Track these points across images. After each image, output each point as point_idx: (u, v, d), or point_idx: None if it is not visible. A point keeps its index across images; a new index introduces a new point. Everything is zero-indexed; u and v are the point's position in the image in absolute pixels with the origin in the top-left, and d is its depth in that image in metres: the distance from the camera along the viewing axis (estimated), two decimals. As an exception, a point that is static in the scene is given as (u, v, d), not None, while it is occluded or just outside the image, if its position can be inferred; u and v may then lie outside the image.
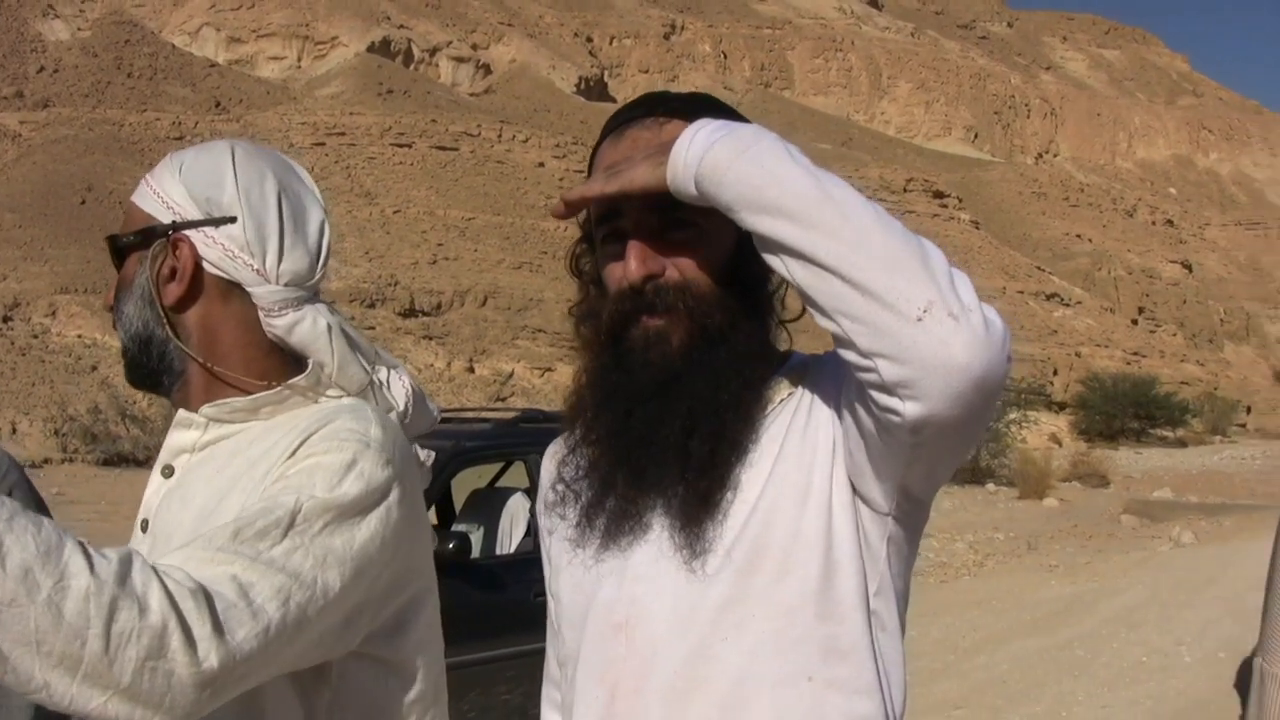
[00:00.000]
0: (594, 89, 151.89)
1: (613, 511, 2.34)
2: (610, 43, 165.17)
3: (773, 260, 2.07)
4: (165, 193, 2.43)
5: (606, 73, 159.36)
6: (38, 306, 76.53)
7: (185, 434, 2.43)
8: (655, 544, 2.29)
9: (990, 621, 16.96)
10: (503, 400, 68.27)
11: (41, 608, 1.79)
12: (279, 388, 2.38)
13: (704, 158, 2.08)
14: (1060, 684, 13.28)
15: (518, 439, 11.32)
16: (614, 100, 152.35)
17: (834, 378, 2.27)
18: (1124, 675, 13.70)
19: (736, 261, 2.29)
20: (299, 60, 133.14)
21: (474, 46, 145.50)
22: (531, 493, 10.83)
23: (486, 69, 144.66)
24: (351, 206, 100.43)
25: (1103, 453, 60.88)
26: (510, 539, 10.93)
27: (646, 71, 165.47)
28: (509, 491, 11.42)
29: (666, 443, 2.26)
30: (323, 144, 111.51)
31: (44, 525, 1.85)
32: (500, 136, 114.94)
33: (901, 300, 1.92)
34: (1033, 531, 28.94)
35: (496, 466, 12.29)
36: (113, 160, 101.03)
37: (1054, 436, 76.67)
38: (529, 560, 10.16)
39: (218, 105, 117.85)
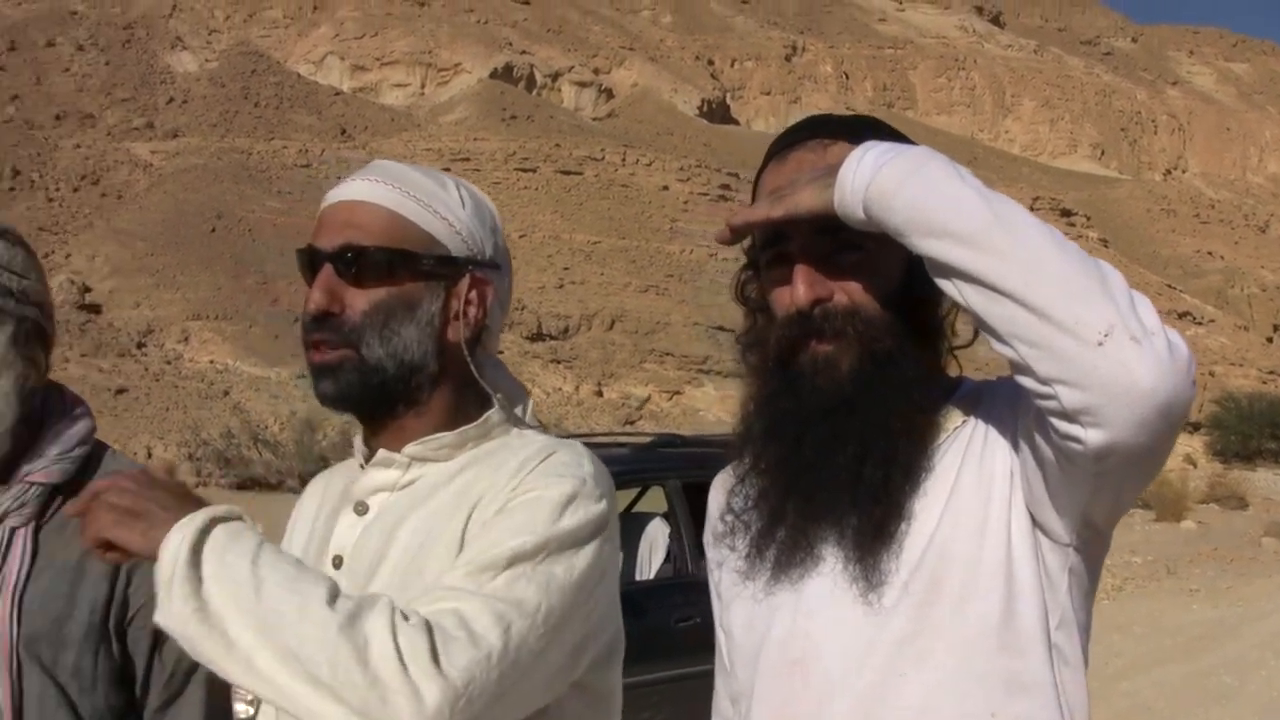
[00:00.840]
0: (716, 111, 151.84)
1: (783, 542, 2.32)
2: (731, 65, 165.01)
3: (945, 285, 2.03)
4: (459, 222, 2.39)
5: (728, 95, 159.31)
6: (170, 333, 77.52)
7: (385, 473, 2.41)
8: (829, 576, 2.26)
9: (1132, 647, 16.55)
10: (631, 424, 68.05)
11: (292, 629, 1.95)
12: (480, 421, 2.39)
13: (872, 181, 2.03)
14: (1208, 712, 12.83)
15: (655, 464, 11.18)
16: (736, 123, 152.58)
17: (1009, 405, 2.24)
18: (1275, 703, 13.21)
19: (905, 285, 2.26)
20: (423, 87, 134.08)
21: (596, 71, 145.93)
22: (669, 517, 10.79)
23: (609, 93, 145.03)
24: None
25: (1240, 474, 59.71)
26: (649, 565, 10.79)
27: (768, 93, 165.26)
28: (647, 516, 11.29)
29: (838, 470, 2.24)
30: (448, 169, 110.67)
31: (307, 571, 2.05)
32: (624, 160, 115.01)
33: (1081, 324, 1.87)
34: (1171, 555, 28.33)
35: (633, 492, 12.17)
36: (241, 188, 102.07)
37: (1189, 458, 75.22)
38: (669, 586, 10.25)
39: (343, 133, 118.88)
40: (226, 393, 69.40)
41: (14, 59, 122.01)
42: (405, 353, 2.35)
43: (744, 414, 2.43)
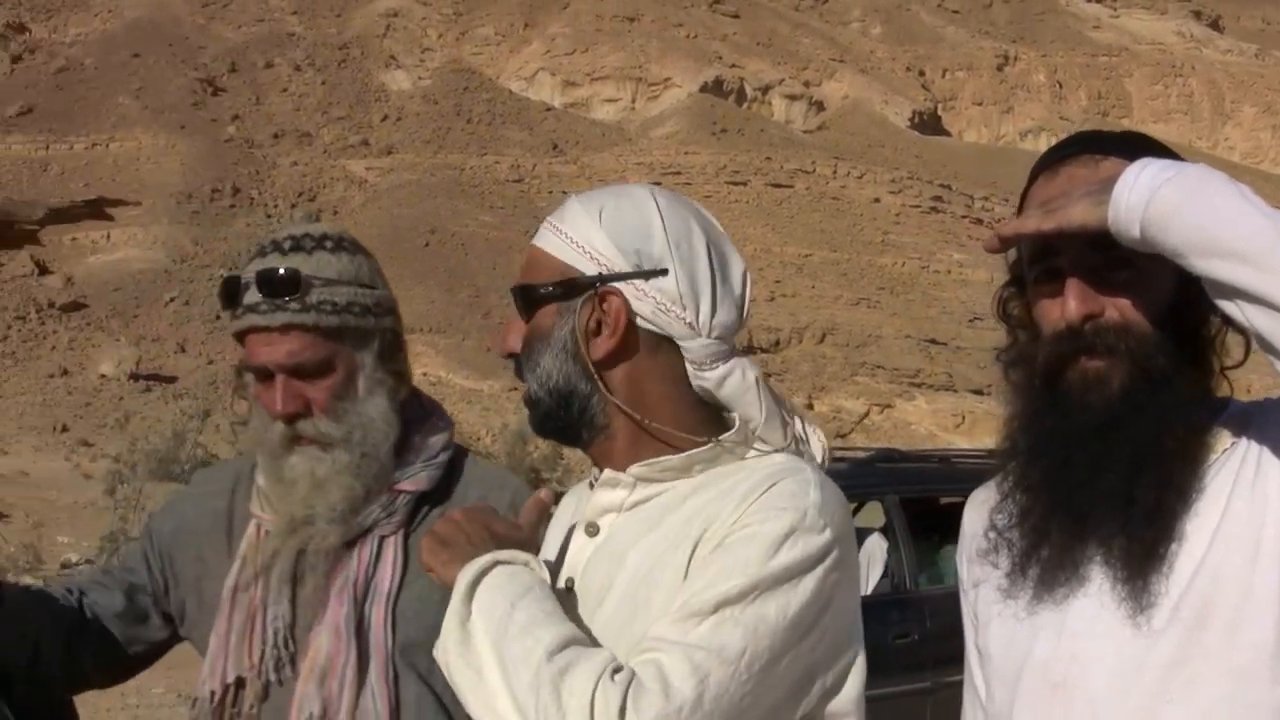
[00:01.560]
0: (927, 123, 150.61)
1: (1047, 561, 2.30)
2: (943, 75, 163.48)
3: (1227, 306, 2.01)
4: (587, 242, 2.34)
5: (940, 106, 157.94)
6: (386, 347, 78.35)
7: (612, 493, 2.38)
8: (1095, 597, 2.23)
9: None
10: (842, 437, 67.55)
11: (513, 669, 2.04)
12: (709, 444, 2.33)
13: (1150, 201, 2.01)
14: None
15: (873, 479, 11.07)
16: (948, 134, 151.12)
17: None
18: None
19: (1176, 303, 2.24)
20: (633, 102, 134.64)
21: (806, 84, 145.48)
22: (887, 532, 10.70)
23: (819, 105, 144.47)
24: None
25: None
26: (867, 580, 10.62)
27: (980, 104, 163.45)
28: (865, 532, 11.08)
29: (1108, 489, 2.21)
30: (658, 184, 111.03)
31: (552, 614, 2.10)
32: (835, 173, 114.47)
33: None
34: None
35: (851, 507, 11.66)
36: (454, 203, 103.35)
37: None
38: (887, 602, 10.24)
39: (555, 148, 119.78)
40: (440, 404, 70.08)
41: (234, 80, 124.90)
42: (550, 381, 2.35)
43: (1008, 431, 2.38)
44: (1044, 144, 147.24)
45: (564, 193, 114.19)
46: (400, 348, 3.05)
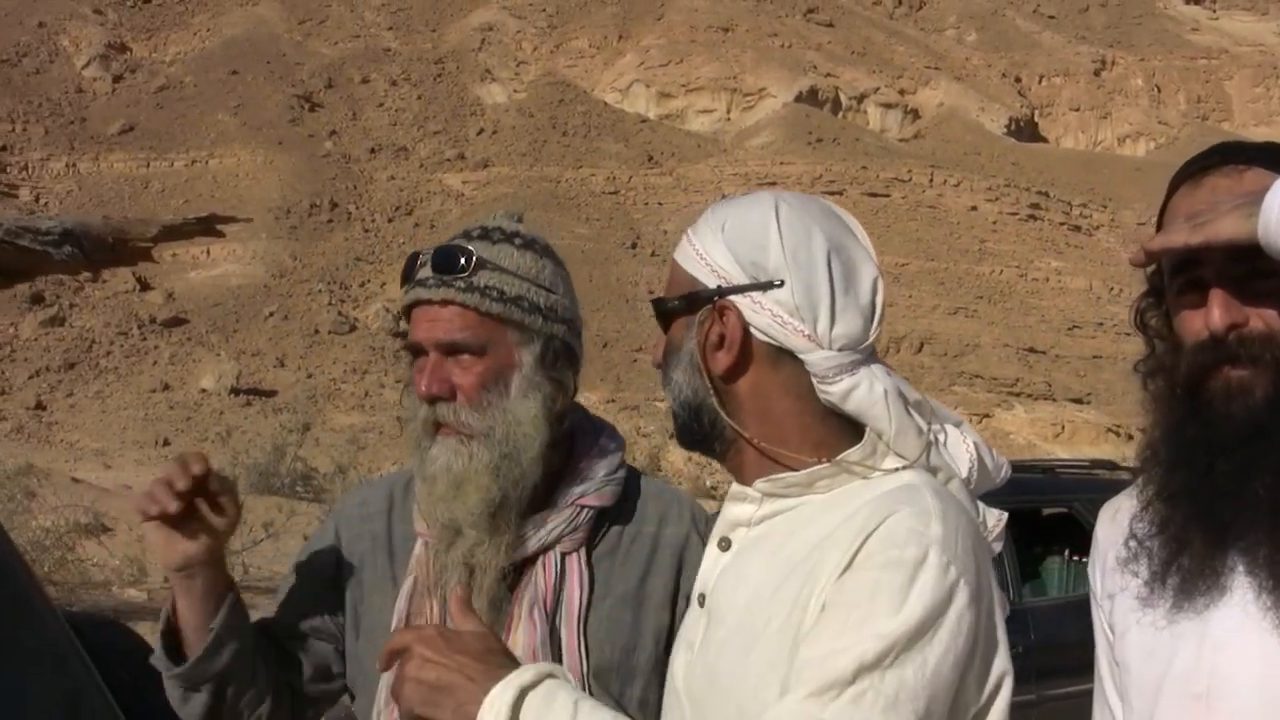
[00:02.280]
0: (1024, 130, 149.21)
1: (1187, 570, 2.28)
2: (1039, 81, 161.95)
3: None
4: (709, 255, 2.37)
5: (1036, 112, 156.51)
6: (482, 360, 78.64)
7: (741, 507, 2.39)
8: (1238, 606, 2.20)
9: None
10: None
11: None
12: (831, 463, 2.30)
13: None
14: None
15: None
16: (1045, 140, 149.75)
17: None
18: None
19: None
20: (728, 112, 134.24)
21: (901, 92, 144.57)
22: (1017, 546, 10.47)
23: (915, 113, 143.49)
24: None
25: None
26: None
27: (1077, 109, 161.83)
28: None
29: (1255, 499, 2.18)
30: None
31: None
32: (931, 181, 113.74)
33: None
34: None
35: None
36: (550, 216, 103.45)
37: None
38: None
39: (650, 159, 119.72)
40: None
41: (331, 96, 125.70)
42: (681, 394, 2.38)
43: (1148, 440, 2.40)
44: (1143, 149, 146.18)
45: (659, 204, 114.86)
46: (570, 361, 2.98)
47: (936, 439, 2.39)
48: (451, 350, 2.83)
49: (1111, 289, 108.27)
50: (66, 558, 20.88)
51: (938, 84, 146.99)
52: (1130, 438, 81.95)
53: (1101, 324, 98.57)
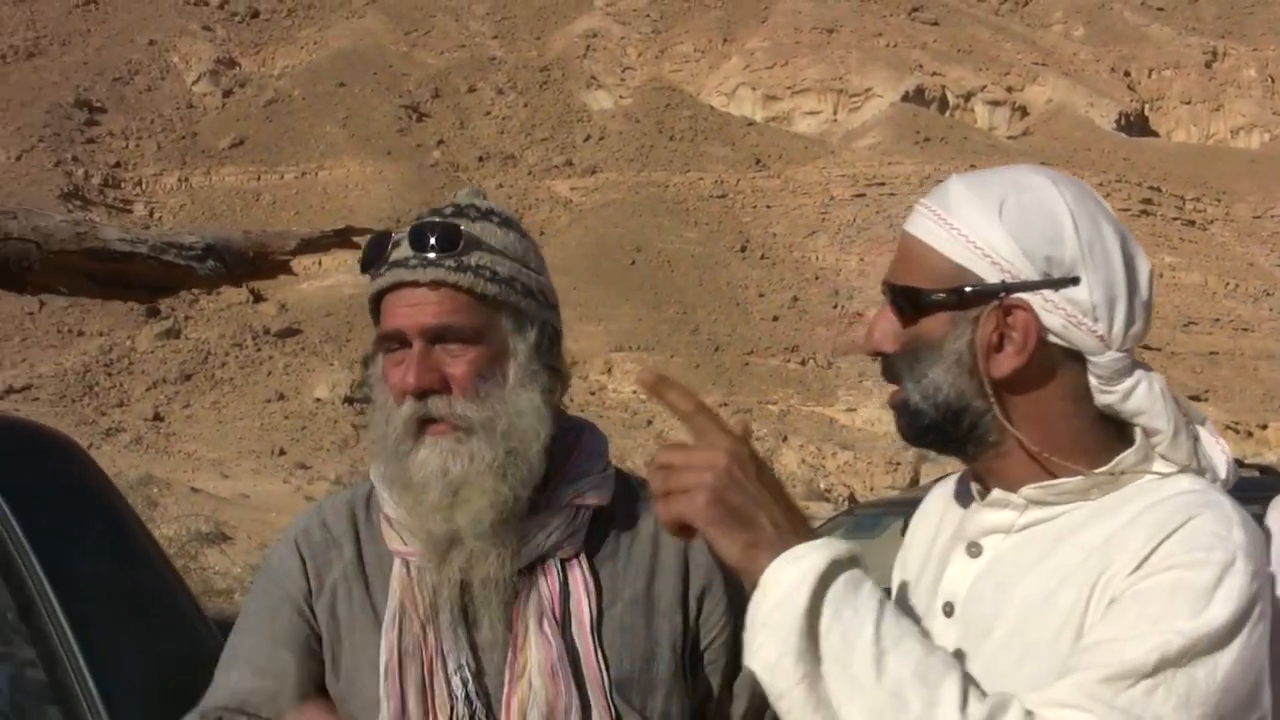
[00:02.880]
0: (1134, 125, 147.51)
1: None
2: (1149, 75, 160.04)
3: None
4: (987, 244, 2.13)
5: (1146, 106, 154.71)
6: (594, 364, 79.01)
7: (1000, 514, 2.22)
8: None
9: None
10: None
11: None
12: (1108, 466, 2.17)
13: None
14: None
15: None
16: (1156, 134, 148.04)
17: None
18: None
19: None
20: (834, 113, 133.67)
21: (1009, 89, 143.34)
22: None
23: (1023, 110, 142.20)
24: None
25: None
26: None
27: (1189, 103, 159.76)
28: None
29: None
30: (863, 195, 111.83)
31: (934, 651, 1.89)
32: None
33: None
34: None
35: None
36: (659, 221, 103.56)
37: None
38: None
39: (757, 162, 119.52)
40: (649, 422, 70.33)
41: (438, 105, 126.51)
42: (938, 395, 2.15)
43: None
44: (1256, 142, 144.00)
45: (767, 207, 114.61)
46: (560, 346, 2.69)
47: (1197, 439, 2.20)
48: (439, 337, 2.50)
49: (1227, 284, 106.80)
50: (189, 566, 21.02)
51: (1045, 80, 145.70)
52: (1250, 434, 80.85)
53: (1218, 320, 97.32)
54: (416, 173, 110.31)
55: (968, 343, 2.11)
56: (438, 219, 2.57)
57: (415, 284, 2.49)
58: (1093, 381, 2.13)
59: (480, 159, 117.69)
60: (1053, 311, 2.09)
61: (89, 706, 3.21)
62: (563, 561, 2.57)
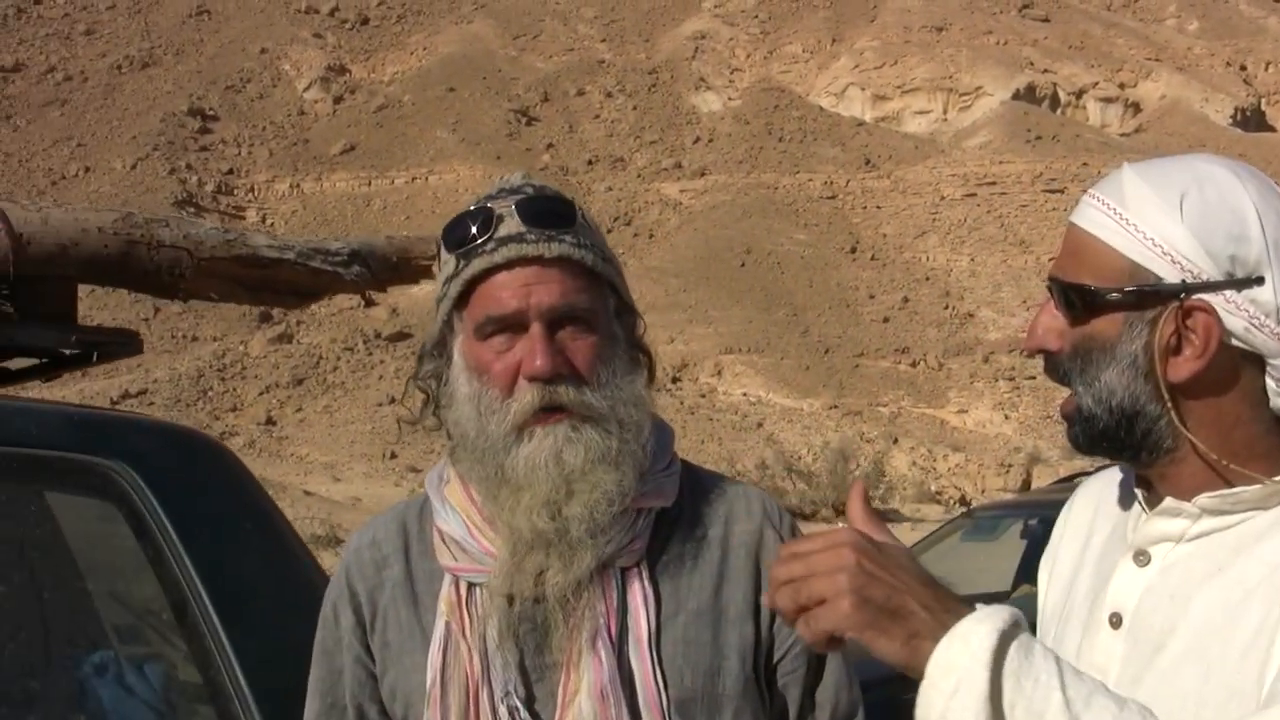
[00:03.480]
0: (1250, 120, 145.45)
1: None
2: (1266, 69, 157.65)
3: None
4: (1166, 241, 2.02)
5: (1263, 101, 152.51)
6: (704, 367, 78.98)
7: (1170, 522, 2.12)
8: None
9: None
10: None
11: None
12: None
13: None
14: None
15: None
16: (1273, 129, 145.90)
17: None
18: None
19: None
20: (944, 112, 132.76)
21: (1121, 85, 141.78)
22: None
23: (1136, 107, 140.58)
24: (1007, 255, 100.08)
25: None
26: None
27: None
28: None
29: None
30: (974, 194, 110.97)
31: (1126, 705, 1.76)
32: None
33: None
34: None
35: None
36: (769, 222, 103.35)
37: None
38: None
39: (867, 163, 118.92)
40: (760, 424, 70.23)
41: (547, 109, 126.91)
42: (1111, 399, 2.06)
43: None
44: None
45: (877, 208, 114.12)
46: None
47: None
48: (560, 320, 2.30)
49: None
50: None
51: (1159, 76, 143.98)
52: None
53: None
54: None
55: (1144, 345, 2.02)
56: (548, 192, 2.45)
57: (539, 260, 2.31)
58: (1270, 385, 2.03)
59: (589, 162, 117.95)
60: (1235, 313, 1.99)
61: (241, 705, 3.23)
62: (622, 571, 2.37)
